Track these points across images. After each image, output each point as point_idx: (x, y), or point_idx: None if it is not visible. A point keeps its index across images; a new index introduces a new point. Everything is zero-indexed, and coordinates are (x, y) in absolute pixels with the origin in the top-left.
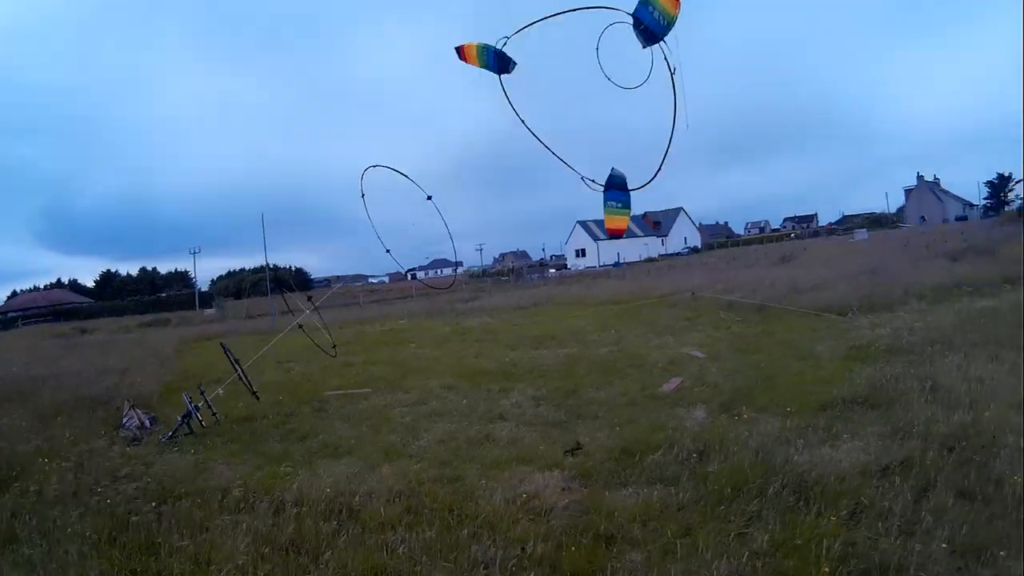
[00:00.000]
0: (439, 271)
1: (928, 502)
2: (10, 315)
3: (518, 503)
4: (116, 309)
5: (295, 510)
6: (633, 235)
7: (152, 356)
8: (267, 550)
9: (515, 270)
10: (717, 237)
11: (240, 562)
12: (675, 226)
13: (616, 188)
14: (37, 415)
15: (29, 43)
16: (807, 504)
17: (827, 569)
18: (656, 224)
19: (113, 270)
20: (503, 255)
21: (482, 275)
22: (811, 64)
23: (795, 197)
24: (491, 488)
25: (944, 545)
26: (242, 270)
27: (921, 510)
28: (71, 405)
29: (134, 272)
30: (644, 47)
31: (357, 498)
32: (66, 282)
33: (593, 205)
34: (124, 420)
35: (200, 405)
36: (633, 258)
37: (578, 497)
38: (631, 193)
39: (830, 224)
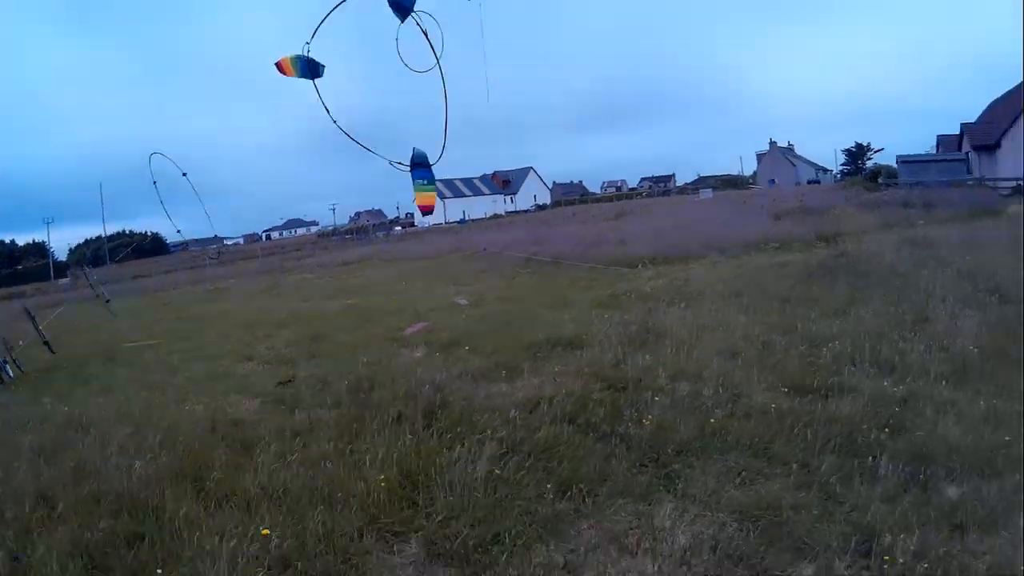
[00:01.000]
0: (294, 231)
1: (543, 431)
2: None
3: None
4: None
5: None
6: (479, 192)
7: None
8: None
9: (361, 228)
10: (571, 195)
11: None
12: (524, 184)
13: (420, 167)
14: None
15: None
16: (431, 426)
17: (382, 477)
18: (506, 183)
19: None
20: (358, 213)
21: (332, 234)
22: (683, 38)
23: (655, 159)
24: (197, 411)
25: (543, 473)
26: (99, 238)
27: (534, 438)
28: None
29: None
30: (402, 21)
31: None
32: None
33: (446, 166)
34: None
35: (6, 360)
36: (479, 215)
37: (257, 419)
38: (432, 169)
39: (685, 184)
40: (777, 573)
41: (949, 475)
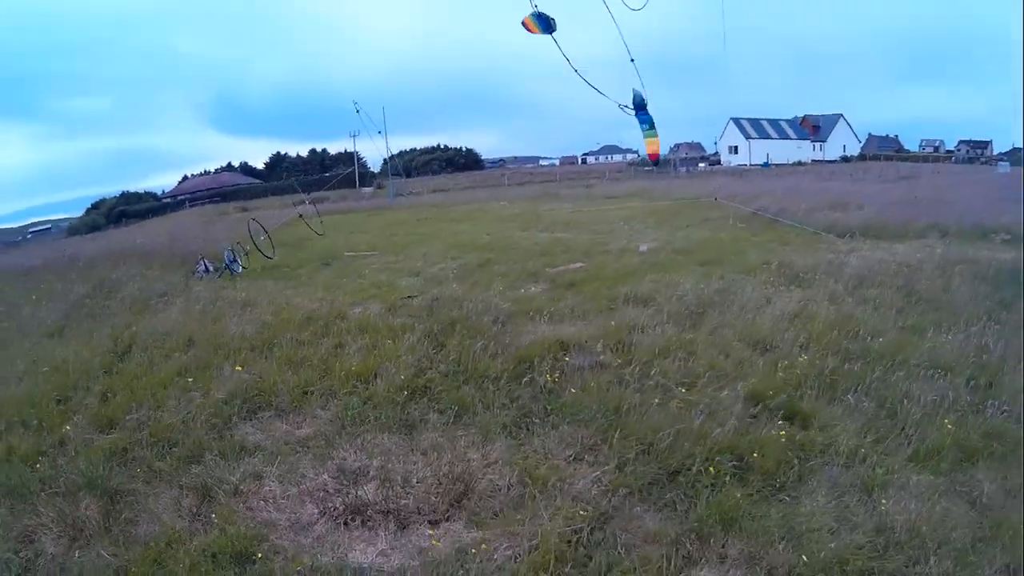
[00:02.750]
0: (609, 157)
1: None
2: (179, 198)
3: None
4: (280, 189)
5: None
6: (786, 136)
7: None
8: None
9: (665, 161)
10: (886, 149)
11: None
12: (834, 132)
13: (642, 110)
14: (147, 265)
15: None
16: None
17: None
18: (815, 128)
19: (283, 152)
20: (677, 145)
21: (641, 164)
22: None
23: (980, 121)
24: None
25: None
26: (413, 149)
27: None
28: (174, 260)
29: (304, 153)
30: None
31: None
32: (236, 165)
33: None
34: (197, 267)
35: (236, 256)
36: (782, 160)
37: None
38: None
39: (1000, 153)
40: None
41: None
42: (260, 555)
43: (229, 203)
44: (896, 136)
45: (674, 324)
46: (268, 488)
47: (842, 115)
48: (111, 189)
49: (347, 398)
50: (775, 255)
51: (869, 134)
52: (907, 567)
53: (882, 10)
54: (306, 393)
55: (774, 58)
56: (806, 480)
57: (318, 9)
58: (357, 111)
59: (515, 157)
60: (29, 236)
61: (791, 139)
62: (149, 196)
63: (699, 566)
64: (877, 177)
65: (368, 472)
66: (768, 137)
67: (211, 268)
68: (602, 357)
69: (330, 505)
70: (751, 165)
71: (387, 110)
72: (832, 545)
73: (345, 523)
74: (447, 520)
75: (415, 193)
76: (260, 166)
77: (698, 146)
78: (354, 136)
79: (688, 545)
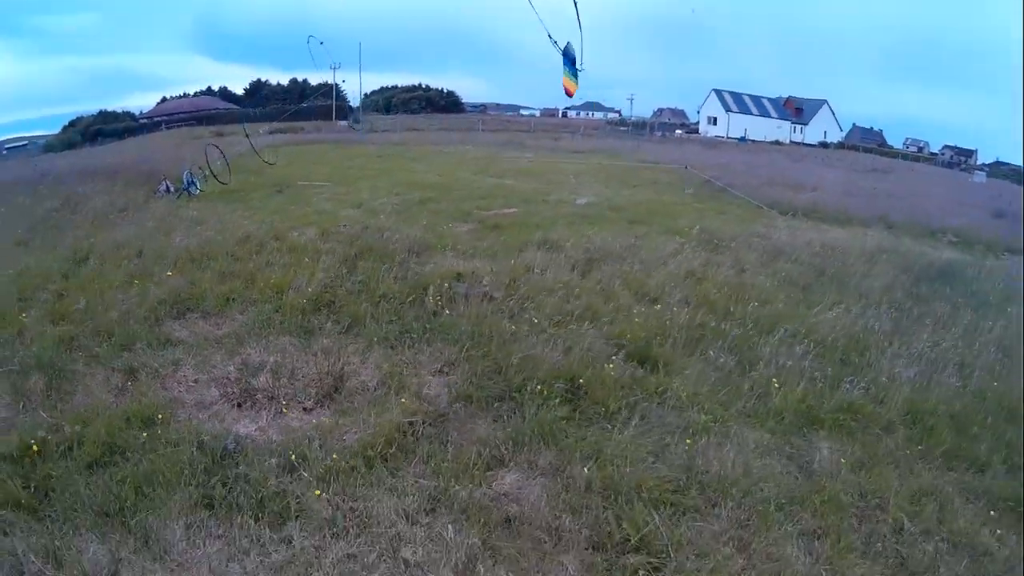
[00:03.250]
0: (591, 113)
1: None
2: (156, 119)
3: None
4: (257, 116)
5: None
6: (767, 114)
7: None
8: None
9: (640, 124)
10: (868, 142)
11: None
12: (816, 117)
13: (569, 59)
14: (114, 183)
15: None
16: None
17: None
18: (798, 111)
19: (263, 79)
20: (660, 110)
21: (620, 124)
22: None
23: (969, 130)
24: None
25: None
26: (394, 87)
27: None
28: (140, 179)
29: (285, 83)
30: None
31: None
32: (217, 89)
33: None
34: (159, 187)
35: (195, 178)
36: (760, 137)
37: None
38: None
39: (982, 164)
40: None
41: None
42: (162, 418)
43: (206, 127)
44: (881, 131)
45: (570, 270)
46: (183, 373)
47: (827, 101)
48: (89, 107)
49: (262, 306)
50: (705, 221)
51: (854, 124)
52: (704, 507)
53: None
54: (230, 300)
55: (768, 34)
56: (635, 415)
57: None
58: (321, 43)
59: (497, 104)
60: (4, 152)
61: (772, 117)
62: (126, 116)
63: (507, 469)
64: (848, 165)
65: (265, 367)
66: (748, 112)
67: (171, 188)
68: (488, 290)
69: (230, 390)
70: (728, 138)
71: (373, 46)
72: (629, 470)
73: (238, 405)
74: (319, 407)
75: (388, 131)
76: (240, 92)
77: (681, 113)
78: (334, 68)
79: (503, 450)
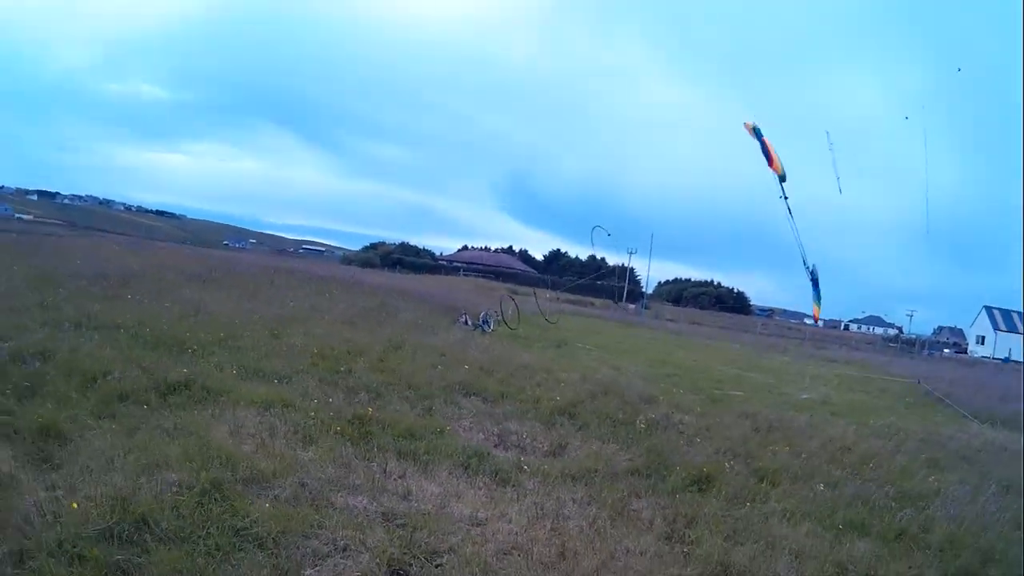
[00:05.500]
0: (872, 329)
1: None
2: (455, 264)
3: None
4: (552, 284)
5: None
6: None
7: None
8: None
9: (908, 340)
10: None
11: None
12: None
13: (814, 282)
14: (421, 304)
15: (506, 28)
16: None
17: None
18: None
19: (563, 250)
20: (940, 328)
21: (894, 340)
22: None
23: None
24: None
25: None
26: (688, 280)
27: None
28: (442, 309)
29: (583, 256)
30: None
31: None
32: (517, 250)
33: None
34: (459, 318)
35: (490, 319)
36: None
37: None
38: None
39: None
40: None
41: None
42: (448, 430)
43: (502, 282)
44: None
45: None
46: (462, 423)
47: None
48: (392, 236)
49: (524, 404)
50: (901, 421)
51: None
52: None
53: None
54: (504, 395)
55: None
56: None
57: (625, 117)
58: (608, 234)
59: (784, 310)
60: (301, 251)
61: None
62: (427, 253)
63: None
64: None
65: (518, 433)
66: (1017, 331)
67: (469, 322)
68: (679, 426)
69: (491, 439)
70: (993, 358)
71: (668, 235)
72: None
73: (495, 445)
74: (547, 457)
75: (671, 319)
76: (539, 257)
77: (960, 332)
78: (631, 253)
79: None
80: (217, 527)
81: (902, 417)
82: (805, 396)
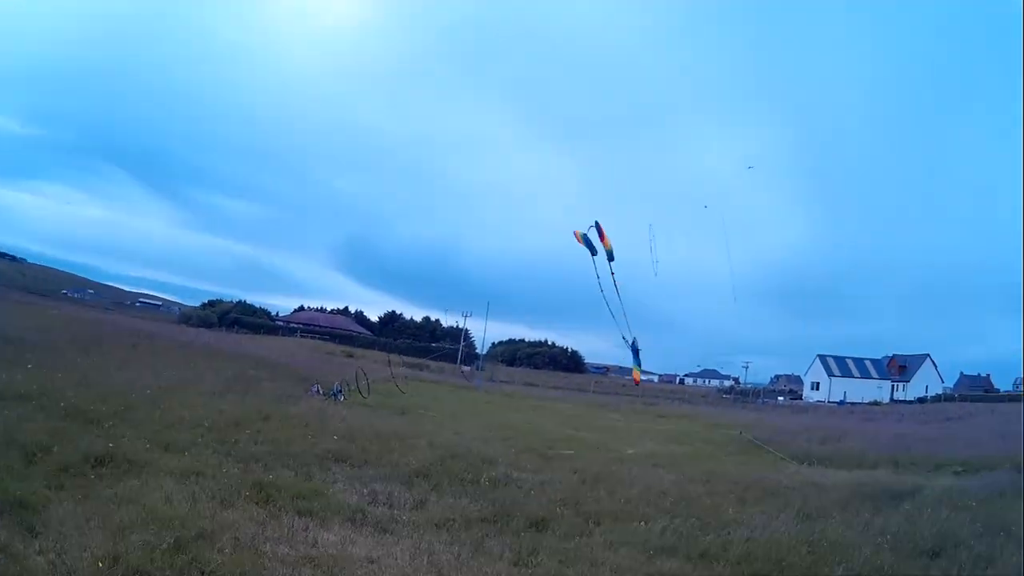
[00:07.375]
0: (707, 381)
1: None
2: (292, 325)
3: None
4: (388, 346)
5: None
6: (867, 375)
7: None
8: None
9: (742, 391)
10: (975, 390)
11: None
12: (919, 372)
13: (635, 353)
14: (273, 373)
15: (365, 87)
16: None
17: None
18: (902, 368)
19: (398, 312)
20: (776, 377)
21: (728, 391)
22: None
23: None
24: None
25: None
26: (522, 340)
27: None
28: (293, 377)
29: (418, 319)
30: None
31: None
32: (353, 311)
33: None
34: (311, 388)
35: (342, 388)
36: (857, 399)
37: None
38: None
39: None
40: None
41: None
42: (327, 492)
43: (337, 344)
44: (988, 375)
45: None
46: (338, 485)
47: (928, 355)
48: (229, 293)
49: (383, 468)
50: (722, 468)
51: (961, 373)
52: None
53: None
54: (366, 461)
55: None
56: None
57: (469, 180)
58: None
59: (619, 367)
60: (138, 304)
61: (872, 379)
62: (263, 313)
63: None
64: (919, 416)
65: (384, 492)
66: (850, 376)
67: (321, 391)
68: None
69: (364, 499)
70: (828, 402)
71: (506, 296)
72: None
73: (367, 503)
74: (411, 511)
75: (505, 381)
76: (375, 318)
77: (797, 379)
78: (465, 316)
79: None
80: (192, 574)
81: (720, 464)
82: (631, 451)
